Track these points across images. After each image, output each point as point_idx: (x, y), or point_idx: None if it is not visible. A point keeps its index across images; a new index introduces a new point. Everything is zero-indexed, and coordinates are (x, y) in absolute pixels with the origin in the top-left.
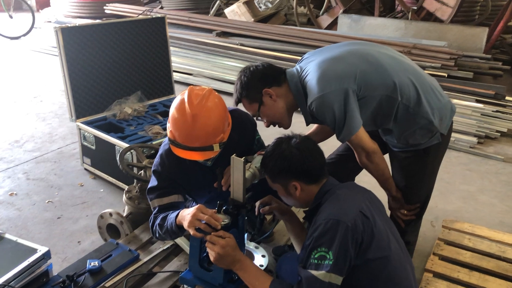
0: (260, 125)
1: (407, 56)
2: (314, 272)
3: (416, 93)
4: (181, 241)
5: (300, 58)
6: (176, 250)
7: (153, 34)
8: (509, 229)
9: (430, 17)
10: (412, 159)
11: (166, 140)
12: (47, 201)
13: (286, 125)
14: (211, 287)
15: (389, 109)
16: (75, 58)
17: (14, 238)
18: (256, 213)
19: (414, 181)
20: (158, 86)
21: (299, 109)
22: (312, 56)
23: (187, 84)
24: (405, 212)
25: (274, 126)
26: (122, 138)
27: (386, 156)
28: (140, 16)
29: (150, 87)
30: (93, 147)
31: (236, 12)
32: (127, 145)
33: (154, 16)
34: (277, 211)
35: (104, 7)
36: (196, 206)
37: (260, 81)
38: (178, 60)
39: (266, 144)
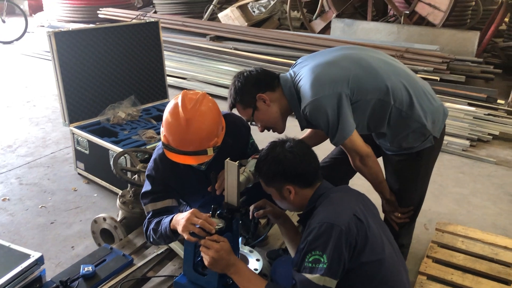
0: (254, 129)
1: (400, 60)
2: (308, 276)
3: (408, 97)
4: (175, 246)
5: (293, 62)
6: (170, 255)
7: (147, 39)
8: (501, 231)
9: (422, 21)
10: (405, 162)
11: (160, 144)
12: (40, 206)
13: (280, 130)
14: None
15: (382, 113)
16: (68, 62)
17: (6, 244)
18: (250, 217)
19: (408, 184)
20: (152, 90)
21: (293, 113)
22: (306, 61)
23: (181, 88)
24: (399, 215)
25: (269, 130)
26: (115, 143)
27: (380, 160)
28: (134, 21)
29: (143, 92)
30: (87, 152)
31: (229, 17)
32: (120, 150)
33: (147, 21)
34: (271, 214)
35: (98, 12)
36: (190, 211)
37: (254, 86)
38: (172, 64)
39: (260, 148)
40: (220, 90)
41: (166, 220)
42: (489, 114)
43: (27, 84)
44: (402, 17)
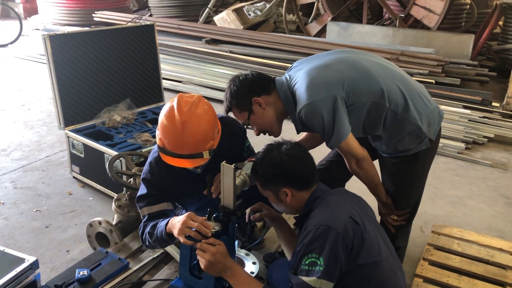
0: (250, 133)
1: (395, 63)
2: (305, 279)
3: (403, 99)
4: (171, 249)
5: (289, 65)
6: (166, 258)
7: (143, 42)
8: (497, 233)
9: (417, 24)
10: (401, 165)
11: (155, 147)
12: (35, 210)
13: (276, 133)
14: None
15: (377, 116)
16: (63, 65)
17: (1, 248)
18: (246, 220)
19: (404, 186)
20: (148, 93)
21: (289, 117)
22: (301, 65)
23: (177, 92)
24: (395, 217)
25: (264, 134)
26: (111, 146)
27: (376, 162)
28: (129, 24)
29: (139, 95)
30: (82, 155)
31: (225, 20)
32: (116, 153)
33: (143, 24)
34: (268, 217)
35: (93, 15)
36: (186, 214)
37: (249, 90)
38: (168, 67)
39: (256, 151)
40: (216, 93)
41: (162, 224)
42: (484, 117)
43: (22, 87)
44: (397, 20)
